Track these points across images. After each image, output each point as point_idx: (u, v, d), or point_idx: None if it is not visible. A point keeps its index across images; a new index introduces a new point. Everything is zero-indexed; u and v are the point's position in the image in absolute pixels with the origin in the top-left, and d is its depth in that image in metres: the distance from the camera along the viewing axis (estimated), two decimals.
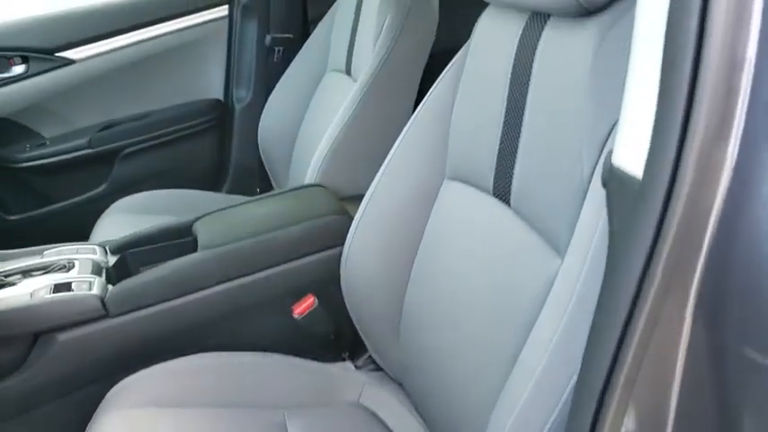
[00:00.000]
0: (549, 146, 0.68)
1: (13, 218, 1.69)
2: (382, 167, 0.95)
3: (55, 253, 1.10)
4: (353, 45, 1.45)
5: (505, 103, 0.76)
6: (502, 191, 0.77)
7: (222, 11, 1.75)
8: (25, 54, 1.58)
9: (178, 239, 1.16)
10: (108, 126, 1.72)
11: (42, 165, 1.67)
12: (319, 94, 1.58)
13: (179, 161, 1.81)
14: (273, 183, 1.72)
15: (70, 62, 1.62)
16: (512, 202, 0.75)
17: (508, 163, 0.75)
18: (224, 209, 1.20)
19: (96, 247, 1.13)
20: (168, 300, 1.02)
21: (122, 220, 1.49)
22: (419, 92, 1.34)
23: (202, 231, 1.12)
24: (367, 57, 1.34)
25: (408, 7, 1.30)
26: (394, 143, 0.94)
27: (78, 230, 1.65)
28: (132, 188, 1.70)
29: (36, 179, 1.69)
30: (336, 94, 1.49)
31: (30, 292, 0.97)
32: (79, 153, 1.69)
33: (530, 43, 0.73)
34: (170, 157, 1.79)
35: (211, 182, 1.86)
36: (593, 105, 0.62)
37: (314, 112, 1.58)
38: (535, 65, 0.72)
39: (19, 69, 1.59)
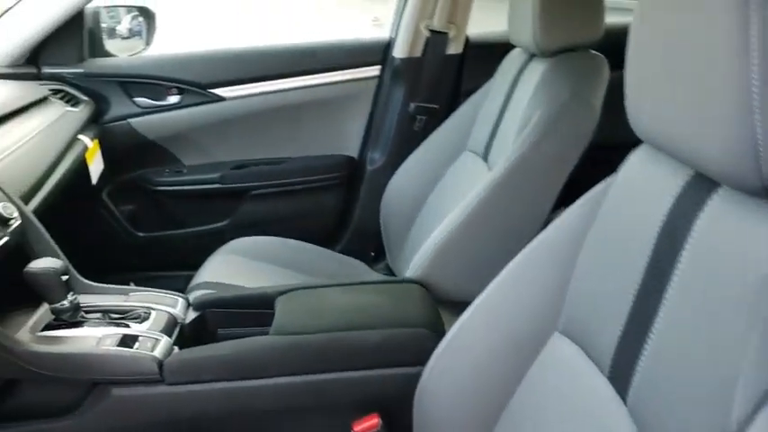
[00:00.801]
0: (692, 357, 0.50)
1: (141, 234, 1.75)
2: (495, 282, 0.80)
3: (139, 298, 1.07)
4: (496, 132, 1.31)
5: (642, 274, 0.57)
6: (620, 380, 0.59)
7: (373, 71, 1.71)
8: (181, 86, 1.64)
9: (259, 309, 1.09)
10: (242, 165, 1.75)
11: (176, 191, 1.72)
12: (452, 172, 1.46)
13: (302, 211, 1.79)
14: (387, 252, 1.62)
15: (220, 99, 1.66)
16: (628, 399, 0.57)
17: (631, 352, 0.57)
18: (313, 286, 1.11)
19: (179, 300, 1.10)
20: (225, 380, 0.94)
21: (231, 262, 1.48)
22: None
23: (282, 309, 1.04)
24: (506, 147, 1.19)
25: (564, 104, 1.13)
26: (516, 251, 0.79)
27: (192, 259, 1.67)
28: (252, 228, 1.70)
29: (168, 202, 1.75)
30: (468, 177, 1.36)
31: (98, 337, 0.95)
32: (211, 186, 1.72)
33: (689, 207, 0.54)
34: (294, 205, 1.77)
35: (328, 237, 1.81)
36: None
37: (442, 190, 1.46)
38: (692, 236, 0.53)
39: (174, 99, 1.66)
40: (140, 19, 1.86)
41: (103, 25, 1.71)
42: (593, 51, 1.24)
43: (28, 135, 1.20)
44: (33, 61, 1.54)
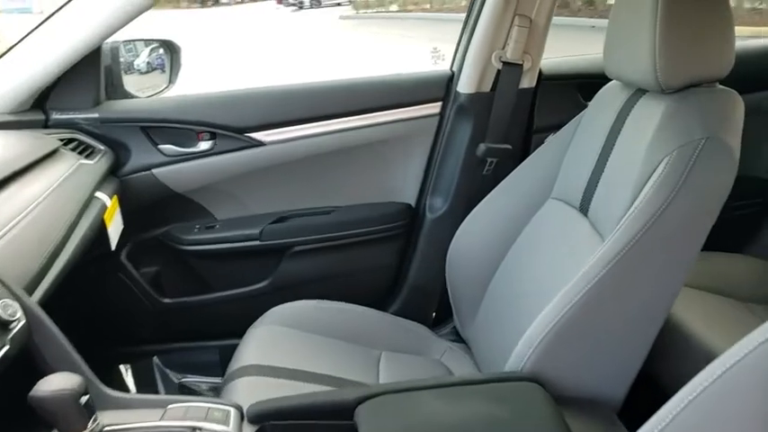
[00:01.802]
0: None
1: (166, 300, 1.52)
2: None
3: (180, 413, 0.83)
4: (598, 179, 1.07)
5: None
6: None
7: (433, 108, 1.48)
8: (214, 131, 1.43)
9: (334, 420, 0.85)
10: (282, 218, 1.52)
11: (207, 250, 1.49)
12: (536, 224, 1.22)
13: (350, 268, 1.55)
14: (456, 314, 1.37)
15: (259, 144, 1.44)
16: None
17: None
18: (401, 390, 0.87)
19: (231, 411, 0.85)
20: None
21: (277, 335, 1.26)
22: None
23: (368, 427, 0.80)
24: (618, 201, 0.96)
25: (699, 148, 0.90)
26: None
27: (227, 327, 1.43)
28: (295, 289, 1.46)
29: (199, 263, 1.52)
30: (562, 233, 1.13)
31: None
32: (248, 244, 1.49)
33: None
34: (342, 261, 1.54)
35: (381, 297, 1.57)
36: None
37: (527, 245, 1.22)
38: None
39: (205, 146, 1.44)
40: (161, 51, 1.66)
41: (121, 59, 1.50)
42: (722, 86, 1.01)
43: (35, 200, 0.97)
44: (41, 106, 1.33)
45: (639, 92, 1.05)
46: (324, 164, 1.51)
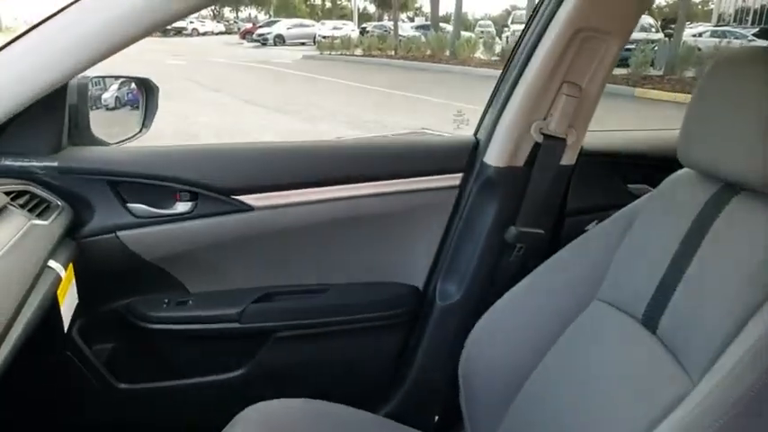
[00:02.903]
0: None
1: (123, 386, 1.26)
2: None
3: None
4: (672, 291, 0.90)
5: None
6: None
7: (452, 179, 1.31)
8: (195, 190, 1.21)
9: None
10: (268, 295, 1.30)
11: (178, 330, 1.25)
12: (580, 331, 1.04)
13: (343, 359, 1.34)
14: (468, 422, 1.17)
15: (247, 209, 1.23)
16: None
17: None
18: None
19: None
20: None
21: None
22: None
23: None
24: (718, 333, 0.78)
25: None
26: None
27: (199, 421, 1.19)
28: (277, 381, 1.25)
29: (164, 345, 1.28)
30: (623, 349, 0.95)
31: None
32: (225, 326, 1.26)
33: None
34: (334, 351, 1.32)
35: (376, 393, 1.36)
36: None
37: (568, 355, 1.04)
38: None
39: (183, 207, 1.21)
40: (132, 86, 1.44)
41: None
42: None
43: None
44: None
45: (730, 188, 0.88)
46: (320, 235, 1.31)
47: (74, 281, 1.08)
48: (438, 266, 1.34)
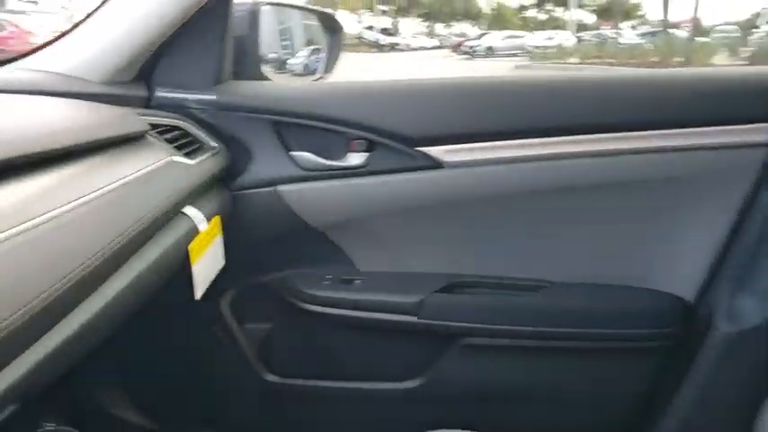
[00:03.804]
0: None
1: (271, 378, 1.03)
2: None
3: None
4: None
5: None
6: None
7: (756, 134, 0.85)
8: (374, 138, 0.92)
9: None
10: (456, 286, 0.97)
11: (340, 316, 0.98)
12: None
13: (561, 388, 0.97)
14: None
15: (435, 165, 0.92)
16: None
17: None
18: None
19: None
20: None
21: None
22: None
23: None
24: None
25: None
26: None
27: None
28: (459, 402, 0.93)
29: (321, 333, 1.02)
30: None
31: None
32: (396, 318, 0.96)
33: None
34: (547, 375, 0.96)
35: None
36: None
37: None
38: None
39: (357, 159, 0.94)
40: (321, 54, 1.23)
41: (272, 55, 1.09)
42: None
43: (95, 187, 0.56)
44: (145, 79, 0.92)
45: None
46: (536, 207, 0.94)
47: (219, 239, 0.86)
48: (722, 271, 0.88)
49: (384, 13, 37.87)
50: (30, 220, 0.43)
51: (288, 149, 0.95)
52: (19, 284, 0.39)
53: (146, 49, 0.89)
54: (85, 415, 1.00)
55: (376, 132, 0.92)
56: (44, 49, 0.89)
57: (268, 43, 1.17)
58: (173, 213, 0.73)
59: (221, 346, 1.01)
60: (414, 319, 0.94)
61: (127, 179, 0.62)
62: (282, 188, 0.94)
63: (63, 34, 0.91)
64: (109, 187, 0.57)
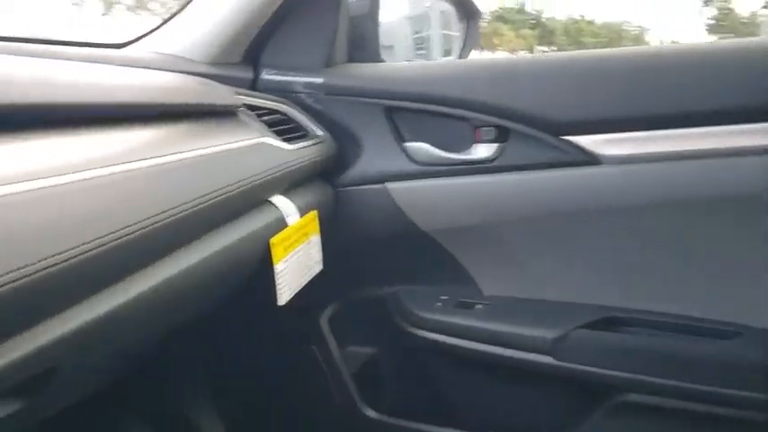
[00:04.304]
0: None
1: (369, 414, 0.86)
2: None
3: None
4: None
5: None
6: None
7: None
8: (506, 124, 0.74)
9: None
10: (609, 320, 0.73)
11: (451, 347, 0.79)
12: None
13: None
14: None
15: (589, 160, 0.71)
16: None
17: None
18: None
19: None
20: None
21: None
22: None
23: None
24: None
25: None
26: None
27: None
28: None
29: (430, 364, 0.84)
30: None
31: None
32: (525, 357, 0.74)
33: None
34: None
35: None
36: None
37: None
38: None
39: (485, 151, 0.76)
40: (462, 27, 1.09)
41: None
42: None
43: (177, 149, 0.50)
44: (252, 60, 0.83)
45: None
46: (730, 220, 0.69)
47: (316, 239, 0.72)
48: None
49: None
50: (95, 168, 0.39)
51: (401, 140, 0.80)
52: (77, 224, 0.35)
53: (251, 30, 0.83)
54: (169, 423, 0.90)
55: (509, 117, 0.74)
56: (157, 31, 0.86)
57: (396, 31, 1.05)
58: (257, 199, 0.61)
59: (316, 368, 0.86)
60: (550, 360, 0.72)
61: (207, 150, 0.54)
62: (392, 185, 0.79)
63: (173, 16, 0.87)
64: (185, 154, 0.50)
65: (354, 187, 0.80)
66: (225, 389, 0.89)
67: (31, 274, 0.31)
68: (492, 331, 0.77)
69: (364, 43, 0.90)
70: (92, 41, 0.81)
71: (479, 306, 0.80)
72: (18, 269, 0.30)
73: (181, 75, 0.72)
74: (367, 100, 0.80)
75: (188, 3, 0.86)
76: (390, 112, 0.79)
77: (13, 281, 0.30)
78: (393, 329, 0.83)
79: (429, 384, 0.85)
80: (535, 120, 0.72)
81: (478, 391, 0.81)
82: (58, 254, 0.33)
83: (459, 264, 0.81)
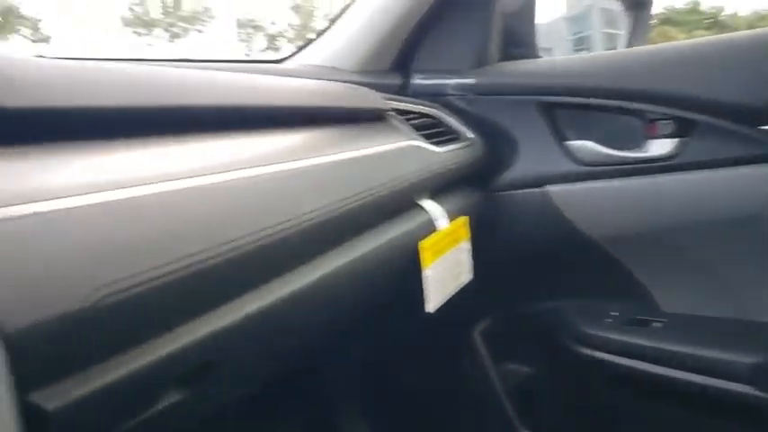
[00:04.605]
0: None
1: None
2: None
3: None
4: None
5: None
6: None
7: None
8: (688, 116, 0.65)
9: None
10: None
11: (627, 369, 0.70)
12: None
13: None
14: None
15: None
16: None
17: None
18: None
19: None
20: None
21: None
22: None
23: None
24: None
25: None
26: None
27: None
28: None
29: (607, 392, 0.74)
30: None
31: None
32: (717, 384, 0.63)
33: None
34: None
35: None
36: None
37: None
38: None
39: (663, 147, 0.67)
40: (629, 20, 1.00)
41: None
42: None
43: (323, 153, 0.50)
44: (402, 67, 0.83)
45: None
46: None
47: (466, 245, 0.69)
48: None
49: None
50: (244, 168, 0.40)
51: (562, 138, 0.73)
52: (242, 217, 0.36)
53: (398, 37, 0.82)
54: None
55: (691, 107, 0.64)
56: (311, 45, 0.89)
57: (552, 33, 0.99)
58: (407, 202, 0.60)
59: (468, 384, 0.82)
60: (749, 390, 0.61)
61: (358, 152, 0.54)
62: (553, 189, 0.72)
63: (325, 30, 0.90)
64: (335, 156, 0.50)
65: (510, 191, 0.75)
66: (371, 399, 0.88)
67: (198, 263, 0.31)
68: (672, 353, 0.67)
69: (519, 40, 0.85)
70: (252, 59, 0.86)
71: (657, 324, 0.70)
72: (186, 256, 0.30)
73: (332, 82, 0.73)
74: (522, 98, 0.75)
75: (338, 17, 0.88)
76: (549, 109, 0.74)
77: (179, 270, 0.30)
78: (555, 346, 0.76)
79: (593, 409, 0.76)
80: (724, 108, 0.62)
81: (653, 421, 0.71)
82: (224, 243, 0.33)
83: (631, 275, 0.72)
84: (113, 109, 0.36)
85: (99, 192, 0.30)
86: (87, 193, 0.30)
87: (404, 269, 0.58)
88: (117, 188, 0.31)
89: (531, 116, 0.74)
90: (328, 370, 0.83)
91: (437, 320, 0.61)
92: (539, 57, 0.85)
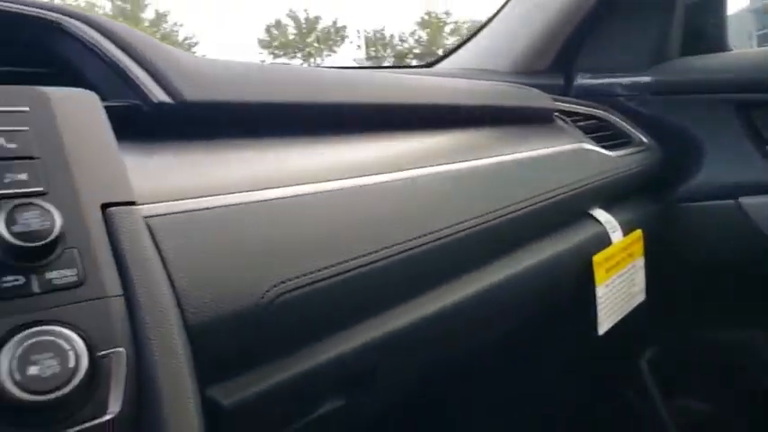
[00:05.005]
0: None
1: None
2: None
3: None
4: None
5: None
6: None
7: None
8: None
9: None
10: None
11: None
12: None
13: None
14: None
15: None
16: None
17: None
18: None
19: None
20: None
21: None
22: None
23: None
24: None
25: None
26: None
27: None
28: None
29: None
30: None
31: None
32: None
33: None
34: None
35: None
36: None
37: None
38: None
39: None
40: None
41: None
42: None
43: (494, 152, 0.48)
44: (564, 66, 0.77)
45: None
46: None
47: (640, 262, 0.61)
48: None
49: None
50: (410, 169, 0.37)
51: (762, 143, 0.63)
52: (394, 223, 0.34)
53: (560, 36, 0.77)
54: None
55: None
56: (459, 50, 0.87)
57: (734, 27, 0.87)
58: (577, 210, 0.54)
59: (634, 418, 0.73)
60: None
61: (526, 153, 0.50)
62: (749, 201, 0.63)
63: (474, 34, 0.87)
64: (504, 157, 0.47)
65: (692, 203, 0.66)
66: (518, 424, 0.82)
67: (369, 264, 0.29)
68: None
69: (705, 33, 0.75)
70: (401, 64, 0.85)
71: None
72: (359, 256, 0.29)
73: (496, 82, 0.69)
74: (710, 96, 0.66)
75: (488, 21, 0.84)
76: (745, 110, 0.64)
77: (351, 270, 0.29)
78: (744, 383, 0.65)
79: None
80: None
81: None
82: (395, 245, 0.31)
83: None
84: (299, 105, 0.36)
85: (276, 188, 0.29)
86: (264, 189, 0.28)
87: (574, 285, 0.52)
88: (297, 184, 0.30)
89: (721, 117, 0.65)
90: (477, 390, 0.79)
91: (603, 344, 0.55)
92: (729, 48, 0.74)
